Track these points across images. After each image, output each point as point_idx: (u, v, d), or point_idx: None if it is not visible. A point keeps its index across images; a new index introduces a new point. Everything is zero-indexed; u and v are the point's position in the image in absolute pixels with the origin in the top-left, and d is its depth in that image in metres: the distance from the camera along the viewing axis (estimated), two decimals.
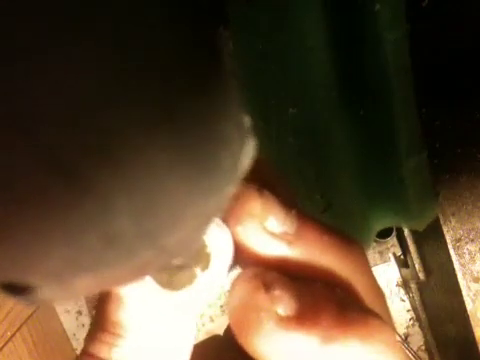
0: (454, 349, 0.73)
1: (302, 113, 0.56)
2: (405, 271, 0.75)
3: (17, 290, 0.13)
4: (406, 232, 0.70)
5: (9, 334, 0.97)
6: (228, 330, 0.26)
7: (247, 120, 0.15)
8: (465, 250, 0.63)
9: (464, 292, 0.64)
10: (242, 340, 0.19)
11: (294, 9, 0.53)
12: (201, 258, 0.20)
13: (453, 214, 0.62)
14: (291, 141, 0.56)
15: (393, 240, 0.72)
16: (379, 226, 0.67)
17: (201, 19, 0.13)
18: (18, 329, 1.00)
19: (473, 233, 0.62)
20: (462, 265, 0.63)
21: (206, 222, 0.15)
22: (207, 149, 0.13)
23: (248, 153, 0.15)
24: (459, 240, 0.62)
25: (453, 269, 0.64)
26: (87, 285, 0.13)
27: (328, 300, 0.19)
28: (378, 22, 0.53)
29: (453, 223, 0.62)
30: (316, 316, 0.18)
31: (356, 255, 0.21)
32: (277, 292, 0.19)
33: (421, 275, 0.71)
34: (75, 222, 0.11)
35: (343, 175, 0.59)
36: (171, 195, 0.12)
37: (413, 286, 0.76)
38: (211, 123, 0.13)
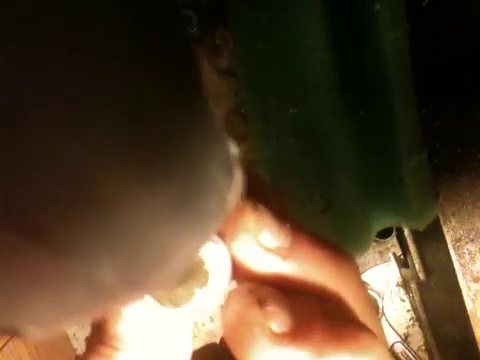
0: (454, 349, 0.73)
1: (302, 113, 0.56)
2: (405, 271, 0.75)
3: (6, 331, 0.13)
4: (406, 232, 0.70)
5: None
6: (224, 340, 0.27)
7: (233, 150, 0.14)
8: (465, 250, 0.63)
9: (464, 292, 0.64)
10: (236, 354, 0.19)
11: (294, 9, 0.53)
12: (199, 275, 0.20)
13: (453, 214, 0.62)
14: (291, 141, 0.56)
15: (393, 240, 0.72)
16: (379, 226, 0.67)
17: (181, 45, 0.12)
18: None
19: (473, 233, 0.62)
20: (462, 265, 0.63)
21: (191, 256, 0.15)
22: (192, 194, 0.12)
23: (235, 188, 0.15)
24: (459, 240, 0.62)
25: (453, 269, 0.64)
26: (68, 324, 0.13)
27: (321, 315, 0.19)
28: (378, 22, 0.53)
29: (453, 223, 0.62)
30: (309, 331, 0.19)
31: (348, 268, 0.21)
32: (271, 308, 0.19)
33: (421, 275, 0.71)
34: (55, 278, 0.11)
35: (343, 175, 0.59)
36: (154, 243, 0.12)
37: (413, 286, 0.76)
38: (195, 166, 0.12)
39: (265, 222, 0.20)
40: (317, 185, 0.57)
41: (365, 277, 0.75)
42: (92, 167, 0.10)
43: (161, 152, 0.11)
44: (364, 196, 0.61)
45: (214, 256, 0.20)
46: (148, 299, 0.20)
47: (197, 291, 0.20)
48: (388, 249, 0.74)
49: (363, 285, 0.22)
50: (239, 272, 0.20)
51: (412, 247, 0.70)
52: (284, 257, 0.20)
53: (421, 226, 0.63)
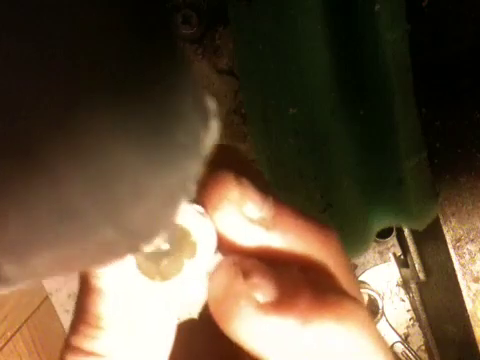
0: (454, 349, 0.73)
1: (302, 113, 0.56)
2: (405, 271, 0.75)
3: None
4: (406, 232, 0.70)
5: (9, 334, 0.96)
6: (203, 313, 0.27)
7: (212, 104, 0.15)
8: (465, 250, 0.63)
9: (464, 292, 0.64)
10: (223, 326, 0.20)
11: (294, 10, 0.53)
12: (186, 247, 0.20)
13: (453, 214, 0.62)
14: (291, 141, 0.56)
15: (393, 240, 0.72)
16: (379, 226, 0.67)
17: None
18: (18, 329, 0.99)
19: (473, 233, 0.62)
20: (462, 265, 0.63)
21: (171, 200, 0.15)
22: (159, 121, 0.13)
23: (211, 135, 0.15)
24: (459, 240, 0.62)
25: (453, 269, 0.64)
26: (48, 264, 0.13)
27: (304, 284, 0.20)
28: (378, 22, 0.53)
29: (453, 223, 0.62)
30: (293, 300, 0.19)
31: (330, 239, 0.22)
32: (255, 279, 0.20)
33: (421, 275, 0.71)
34: (25, 196, 0.11)
35: (343, 175, 0.59)
36: (124, 166, 0.12)
37: (413, 286, 0.76)
38: (162, 94, 0.13)
39: (248, 193, 0.20)
40: (317, 185, 0.57)
41: (365, 277, 0.75)
42: (62, 93, 0.11)
43: (129, 76, 0.12)
44: (364, 196, 0.61)
45: (200, 227, 0.20)
46: (133, 274, 0.20)
47: (186, 263, 0.20)
48: (388, 249, 0.74)
49: (345, 253, 0.22)
50: (223, 244, 0.21)
51: (412, 247, 0.70)
52: (267, 228, 0.20)
53: (421, 226, 0.63)
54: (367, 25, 0.54)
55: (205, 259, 0.20)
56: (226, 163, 0.21)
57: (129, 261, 0.20)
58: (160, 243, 0.20)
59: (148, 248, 0.19)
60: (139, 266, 0.20)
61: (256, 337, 0.19)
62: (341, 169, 0.58)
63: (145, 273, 0.20)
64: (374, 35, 0.54)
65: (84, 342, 0.21)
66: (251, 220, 0.20)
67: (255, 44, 0.58)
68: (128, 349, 0.21)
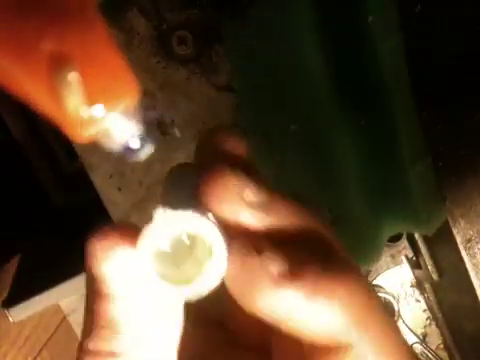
0: (473, 345, 0.74)
1: (303, 129, 0.56)
2: (418, 272, 0.75)
3: None
4: (417, 235, 0.70)
5: (30, 359, 0.98)
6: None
7: None
8: (476, 250, 0.63)
9: (478, 291, 0.65)
10: (244, 302, 0.21)
11: (289, 27, 0.53)
12: (202, 249, 0.22)
13: (462, 216, 0.62)
14: (295, 157, 0.57)
15: (404, 243, 0.73)
16: (388, 233, 0.67)
17: None
18: (38, 353, 1.01)
19: None
20: (474, 265, 0.63)
21: None
22: None
23: None
24: (469, 241, 0.62)
25: (465, 269, 0.64)
26: None
27: (310, 256, 0.22)
28: (372, 33, 0.53)
29: (462, 224, 0.62)
30: (304, 269, 0.21)
31: (316, 215, 0.24)
32: (268, 253, 0.21)
33: (434, 276, 0.71)
34: None
35: (349, 187, 0.59)
36: None
37: (427, 286, 0.76)
38: None
39: (246, 181, 0.22)
40: (324, 198, 0.58)
41: (379, 281, 0.75)
42: None
43: None
44: (372, 206, 0.61)
45: (208, 228, 0.21)
46: (151, 278, 0.21)
47: (204, 264, 0.22)
48: (400, 252, 0.74)
49: (330, 228, 0.25)
50: (230, 231, 0.22)
51: (423, 249, 0.70)
52: (267, 211, 0.22)
53: (431, 231, 0.64)
54: (362, 37, 0.54)
55: (221, 259, 0.22)
56: (221, 155, 0.24)
57: (144, 266, 0.21)
58: (178, 249, 0.22)
59: (166, 254, 0.22)
60: (158, 271, 0.22)
61: (273, 309, 0.21)
62: (347, 181, 0.58)
63: (165, 279, 0.22)
64: (369, 46, 0.54)
65: (102, 345, 0.22)
66: (251, 205, 0.22)
67: (250, 62, 0.58)
68: (144, 346, 0.23)
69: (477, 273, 0.64)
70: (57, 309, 1.04)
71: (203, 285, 0.22)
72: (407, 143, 0.58)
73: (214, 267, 0.22)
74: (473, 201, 0.61)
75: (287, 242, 0.22)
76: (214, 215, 0.22)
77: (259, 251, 0.21)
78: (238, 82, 0.60)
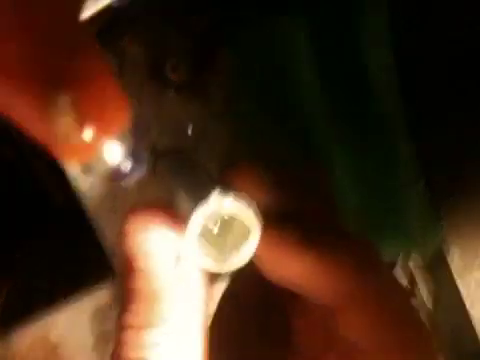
0: None
1: (299, 152, 0.57)
2: (413, 300, 0.74)
3: None
4: (411, 264, 0.69)
5: None
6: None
7: None
8: (471, 278, 0.63)
9: (474, 320, 0.64)
10: (275, 268, 0.25)
11: (283, 56, 0.54)
12: (240, 231, 0.24)
13: (456, 244, 0.62)
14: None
15: (398, 271, 0.72)
16: (385, 257, 0.67)
17: None
18: None
19: (478, 261, 0.62)
20: (469, 294, 0.63)
21: None
22: None
23: None
24: (464, 269, 0.62)
25: (460, 298, 0.63)
26: None
27: (327, 225, 0.26)
28: (366, 50, 0.54)
29: (456, 252, 0.62)
30: (321, 238, 0.24)
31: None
32: (288, 225, 0.25)
33: (429, 304, 0.71)
34: None
35: (344, 209, 0.59)
36: None
37: (422, 315, 0.75)
38: None
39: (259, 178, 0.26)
40: None
41: None
42: None
43: None
44: (366, 228, 0.61)
45: (243, 209, 0.24)
46: (198, 258, 0.24)
47: (243, 245, 0.25)
48: None
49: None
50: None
51: (418, 278, 0.70)
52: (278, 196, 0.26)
53: (427, 254, 0.64)
54: (356, 53, 0.55)
55: (256, 239, 0.24)
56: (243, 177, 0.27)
57: (190, 243, 0.24)
58: (220, 228, 0.25)
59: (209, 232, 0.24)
60: (205, 251, 0.24)
61: (300, 274, 0.23)
62: (342, 203, 0.58)
63: (213, 259, 0.24)
64: (364, 62, 0.55)
65: (137, 319, 0.23)
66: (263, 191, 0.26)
67: (244, 87, 0.58)
68: (181, 314, 0.24)
69: (472, 302, 0.63)
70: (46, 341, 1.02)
71: (238, 262, 0.24)
72: (404, 164, 0.58)
73: (249, 246, 0.24)
74: (466, 230, 0.61)
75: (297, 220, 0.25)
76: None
77: (280, 221, 0.24)
78: (233, 109, 0.60)
